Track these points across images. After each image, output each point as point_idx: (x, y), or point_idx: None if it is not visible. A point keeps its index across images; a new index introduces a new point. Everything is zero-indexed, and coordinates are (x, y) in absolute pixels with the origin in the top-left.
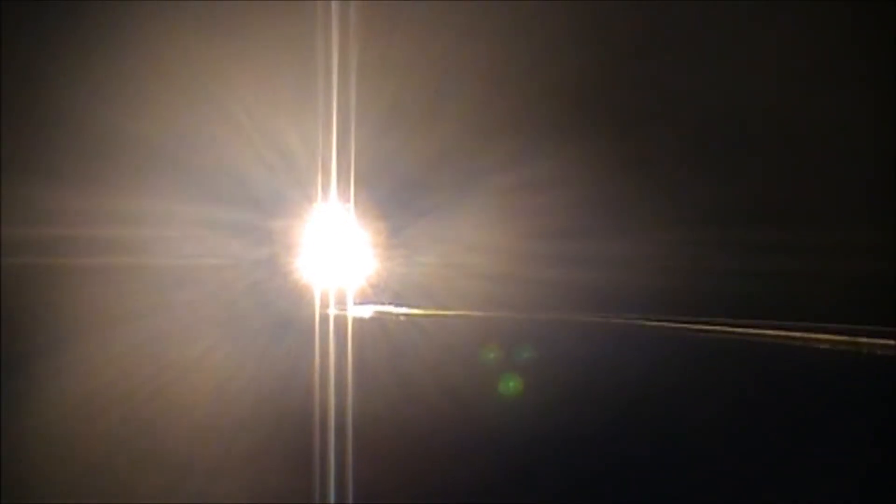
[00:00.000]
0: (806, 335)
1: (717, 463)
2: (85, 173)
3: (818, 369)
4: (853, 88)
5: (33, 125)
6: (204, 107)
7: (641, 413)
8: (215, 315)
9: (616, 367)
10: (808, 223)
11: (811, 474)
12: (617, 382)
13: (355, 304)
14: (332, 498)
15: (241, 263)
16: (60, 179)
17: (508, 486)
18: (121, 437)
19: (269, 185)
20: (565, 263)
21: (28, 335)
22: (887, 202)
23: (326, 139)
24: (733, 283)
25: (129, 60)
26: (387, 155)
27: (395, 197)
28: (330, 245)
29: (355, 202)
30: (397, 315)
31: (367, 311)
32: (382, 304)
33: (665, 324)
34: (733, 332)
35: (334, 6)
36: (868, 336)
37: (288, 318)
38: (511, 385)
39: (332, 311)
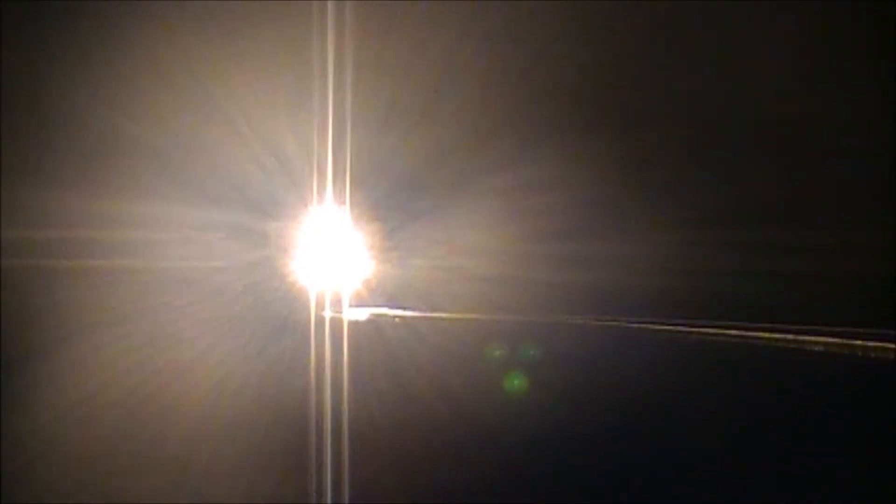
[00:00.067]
0: (801, 338)
1: (715, 463)
2: (81, 176)
3: (814, 371)
4: (853, 88)
5: (31, 127)
6: (200, 109)
7: (639, 414)
8: (211, 317)
9: (614, 368)
10: (808, 223)
11: (809, 475)
12: (614, 384)
13: (351, 306)
14: (328, 499)
15: (237, 266)
16: (58, 182)
17: (504, 487)
18: (117, 438)
19: (265, 187)
20: (562, 265)
21: (26, 336)
22: (887, 202)
23: (322, 141)
24: (733, 284)
25: (127, 63)
26: (383, 157)
27: (390, 199)
28: (325, 247)
29: (351, 204)
30: (392, 317)
31: (363, 314)
32: (378, 306)
33: (664, 326)
34: (733, 334)
35: (330, 7)
36: (864, 339)
37: (284, 320)
38: (507, 386)
39: (328, 314)
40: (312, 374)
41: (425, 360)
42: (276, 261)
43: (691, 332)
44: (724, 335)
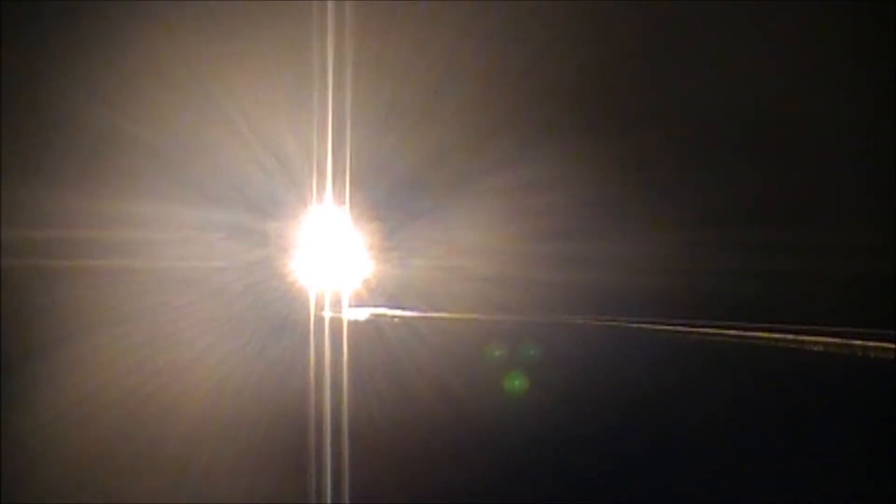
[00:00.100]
0: (801, 338)
1: (715, 463)
2: (80, 174)
3: (814, 371)
4: (853, 88)
5: (30, 127)
6: (199, 108)
7: (638, 414)
8: (211, 317)
9: (613, 368)
10: (808, 223)
11: (809, 475)
12: (614, 384)
13: (350, 306)
14: (328, 499)
15: (236, 266)
16: (57, 181)
17: (504, 487)
18: (117, 438)
19: (264, 187)
20: (562, 265)
21: (26, 336)
22: (887, 202)
23: (322, 141)
24: (732, 284)
25: (126, 62)
26: (382, 156)
27: (390, 199)
28: (325, 247)
29: (351, 204)
30: (392, 317)
31: (363, 314)
32: (377, 306)
33: (663, 326)
34: (732, 334)
35: (330, 6)
36: (863, 339)
37: (283, 319)
38: (507, 386)
39: (328, 314)
40: (312, 374)
41: (425, 360)
42: (276, 261)
43: (691, 332)
44: (724, 335)
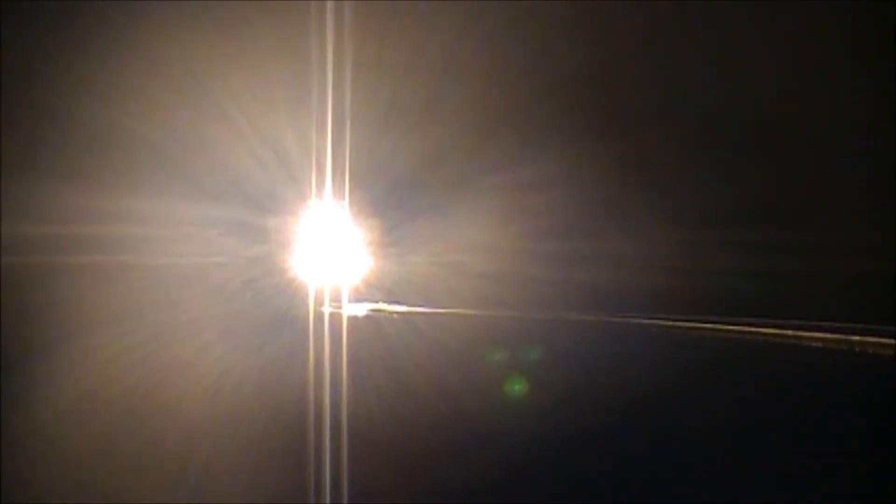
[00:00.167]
0: (799, 333)
1: (715, 463)
2: (79, 171)
3: (813, 368)
4: (853, 88)
5: (28, 123)
6: (199, 105)
7: (638, 413)
8: (210, 313)
9: (613, 366)
10: (808, 223)
11: (809, 474)
12: (614, 381)
13: (350, 302)
14: (327, 497)
15: (235, 261)
16: (55, 178)
17: (504, 485)
18: (115, 436)
19: (263, 182)
20: (561, 262)
21: (24, 334)
22: (887, 202)
23: (321, 137)
24: (732, 283)
25: (125, 59)
26: (382, 154)
27: (390, 196)
28: (324, 243)
29: (350, 200)
30: (392, 313)
31: (362, 309)
32: (377, 302)
33: (663, 323)
34: (732, 332)
35: (329, 5)
36: (861, 335)
37: (283, 315)
38: (506, 382)
39: (327, 309)
40: (311, 369)
41: (424, 355)
42: (276, 257)
43: (689, 330)
44: (723, 333)
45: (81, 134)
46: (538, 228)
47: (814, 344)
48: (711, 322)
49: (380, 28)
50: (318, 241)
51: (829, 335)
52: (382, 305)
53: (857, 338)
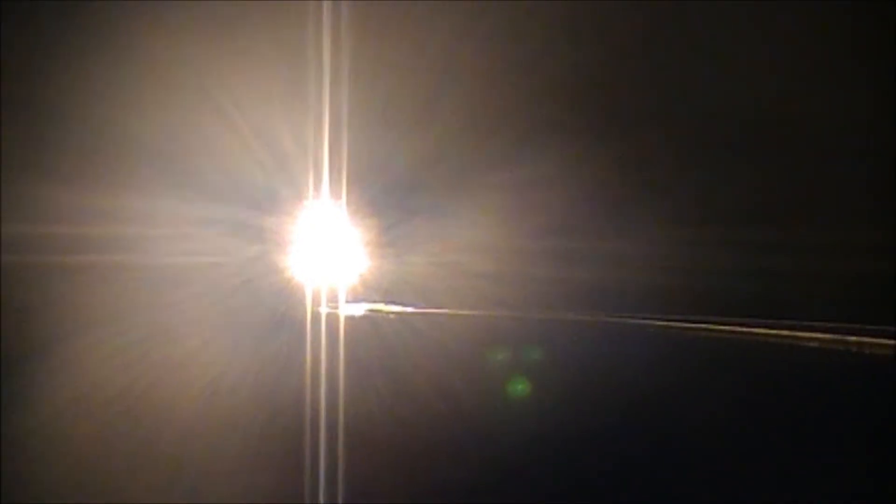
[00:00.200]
0: (794, 333)
1: (713, 462)
2: (77, 171)
3: (809, 367)
4: (852, 88)
5: (27, 123)
6: (197, 105)
7: (636, 412)
8: (207, 312)
9: (611, 366)
10: (807, 223)
11: (808, 474)
12: (612, 381)
13: (347, 301)
14: (321, 497)
15: (233, 261)
16: (53, 177)
17: (501, 485)
18: (111, 435)
19: (261, 183)
20: (558, 261)
21: (22, 333)
22: (886, 202)
23: (319, 138)
24: (731, 282)
25: (123, 59)
26: (380, 154)
27: (387, 196)
28: (322, 243)
29: (347, 200)
30: (388, 313)
31: (359, 309)
32: (374, 301)
33: (662, 322)
34: (730, 332)
35: (326, 6)
36: (858, 335)
37: (280, 315)
38: (504, 382)
39: (324, 309)
40: (308, 370)
41: (421, 355)
42: (274, 256)
43: (688, 330)
44: (722, 333)
45: (79, 134)
46: (536, 228)
47: (811, 344)
48: (710, 322)
49: (377, 27)
50: (316, 241)
51: (827, 335)
52: (380, 305)
53: (853, 338)
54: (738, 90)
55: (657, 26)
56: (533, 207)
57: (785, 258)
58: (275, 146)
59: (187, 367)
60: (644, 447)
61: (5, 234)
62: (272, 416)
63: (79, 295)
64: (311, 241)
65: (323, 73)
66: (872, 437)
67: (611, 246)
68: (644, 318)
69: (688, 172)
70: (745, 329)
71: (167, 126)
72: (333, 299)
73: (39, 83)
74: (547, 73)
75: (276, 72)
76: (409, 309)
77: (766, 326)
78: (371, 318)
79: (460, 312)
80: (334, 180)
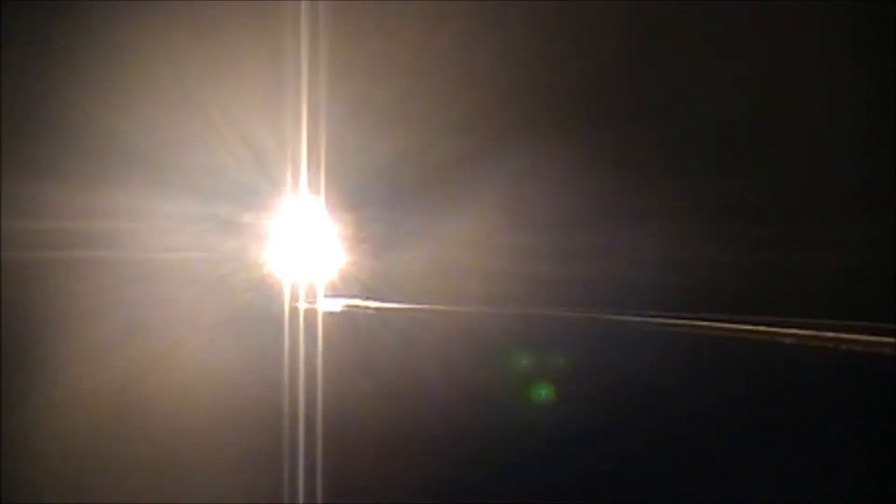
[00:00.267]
0: (776, 330)
1: (706, 462)
2: (55, 167)
3: (808, 367)
4: (853, 88)
5: (8, 119)
6: (174, 100)
7: (627, 412)
8: (182, 309)
9: (597, 361)
10: (797, 218)
11: (807, 475)
12: (596, 376)
13: (325, 297)
14: (300, 497)
15: (210, 256)
16: (33, 174)
17: (482, 484)
18: (82, 434)
19: (238, 177)
20: (540, 257)
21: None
22: (882, 198)
23: (296, 131)
24: (723, 278)
25: (102, 56)
26: (359, 147)
27: (366, 190)
28: (300, 238)
29: (326, 195)
30: (367, 309)
31: (337, 305)
32: (353, 297)
33: (654, 320)
34: (725, 330)
35: (304, 4)
36: (835, 331)
37: (257, 311)
38: (485, 379)
39: (302, 305)
40: (286, 367)
41: (401, 352)
42: (250, 252)
43: (681, 327)
44: (716, 331)
45: (57, 129)
46: (518, 223)
47: (780, 339)
48: (704, 319)
49: (356, 20)
50: (294, 236)
51: (824, 333)
52: (358, 301)
53: (829, 335)
54: (736, 85)
55: (650, 20)
56: (515, 203)
57: (779, 254)
58: (253, 142)
59: (160, 365)
60: (635, 446)
61: None
62: (249, 414)
63: (54, 291)
64: (288, 236)
65: (301, 69)
66: (871, 437)
67: (597, 241)
68: (634, 315)
69: (680, 168)
70: (739, 327)
71: (143, 121)
72: (311, 295)
73: (19, 80)
74: (528, 68)
75: (253, 66)
76: (388, 305)
77: (759, 324)
78: (349, 315)
79: (440, 308)
80: (312, 174)
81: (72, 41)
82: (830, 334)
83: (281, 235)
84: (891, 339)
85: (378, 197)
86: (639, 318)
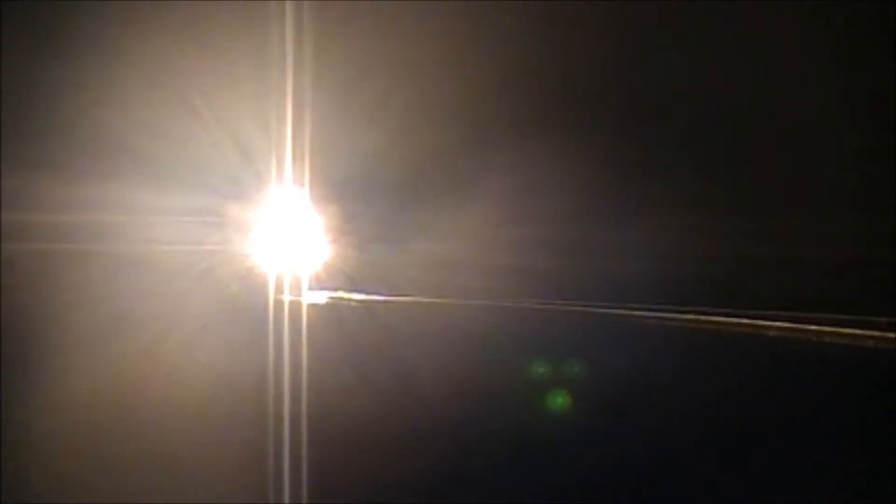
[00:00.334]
0: (793, 326)
1: (698, 457)
2: (40, 160)
3: (807, 360)
4: (852, 87)
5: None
6: (159, 93)
7: (623, 406)
8: (166, 301)
9: (585, 355)
10: (795, 212)
11: (805, 471)
12: (583, 370)
13: (309, 289)
14: (286, 496)
15: (195, 249)
16: (18, 166)
17: (467, 480)
18: (66, 433)
19: (223, 170)
20: (525, 250)
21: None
22: (881, 194)
23: (281, 125)
24: (717, 271)
25: (90, 52)
26: (342, 141)
27: (351, 182)
28: (284, 230)
29: (310, 187)
30: (351, 301)
31: (321, 297)
32: (337, 289)
33: (649, 314)
34: (722, 323)
35: (288, 4)
36: (819, 324)
37: (241, 303)
38: (471, 372)
39: (287, 297)
40: (270, 359)
41: (385, 344)
42: (235, 244)
43: (674, 320)
44: (714, 323)
45: (42, 123)
46: (503, 216)
47: (811, 337)
48: (703, 313)
49: (342, 14)
50: (279, 229)
51: (824, 328)
52: (343, 293)
53: (812, 327)
54: (734, 82)
55: (652, 17)
56: (501, 197)
57: (776, 248)
58: (237, 133)
59: (144, 358)
60: (624, 440)
61: None
62: (233, 408)
63: (40, 283)
64: (273, 228)
65: (286, 64)
66: (869, 433)
67: (581, 235)
68: (626, 310)
69: (681, 163)
70: (736, 321)
71: (129, 114)
72: (296, 287)
73: (7, 76)
74: (512, 64)
75: (239, 60)
76: (373, 297)
77: (756, 318)
78: (334, 306)
79: (424, 300)
80: (297, 168)
81: (62, 40)
82: (828, 328)
83: (266, 228)
84: (889, 334)
85: (362, 190)
86: (629, 312)
